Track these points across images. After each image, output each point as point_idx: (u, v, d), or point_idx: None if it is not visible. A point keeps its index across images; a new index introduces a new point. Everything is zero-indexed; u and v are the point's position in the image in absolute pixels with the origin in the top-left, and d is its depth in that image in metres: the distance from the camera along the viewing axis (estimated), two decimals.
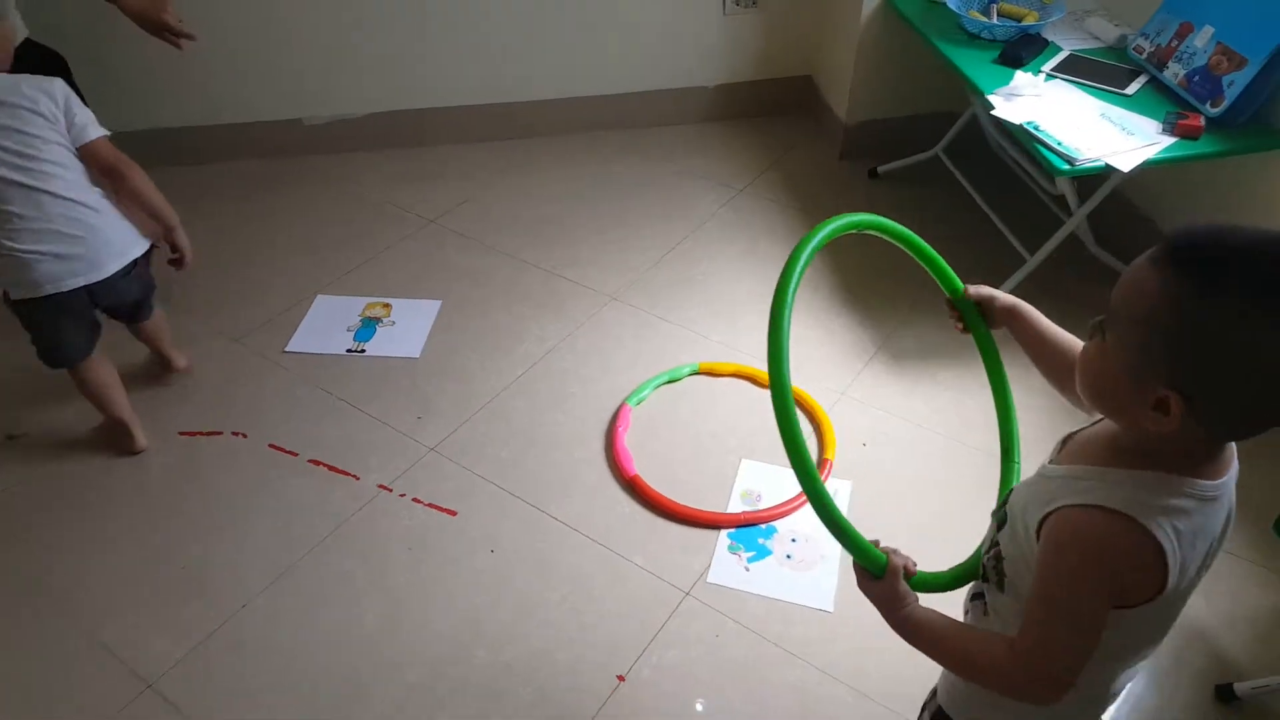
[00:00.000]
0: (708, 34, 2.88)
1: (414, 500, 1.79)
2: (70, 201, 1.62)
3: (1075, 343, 0.94)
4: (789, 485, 1.80)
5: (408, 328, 2.20)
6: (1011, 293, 1.04)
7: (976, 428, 1.93)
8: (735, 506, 1.78)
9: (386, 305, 2.27)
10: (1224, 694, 1.46)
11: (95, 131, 1.66)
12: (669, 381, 2.05)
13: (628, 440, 1.89)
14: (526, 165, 2.81)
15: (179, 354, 2.01)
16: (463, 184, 2.72)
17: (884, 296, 2.29)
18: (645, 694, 1.49)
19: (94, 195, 1.67)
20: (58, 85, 1.64)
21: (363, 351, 2.14)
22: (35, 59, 1.87)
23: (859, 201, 2.66)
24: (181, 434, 1.93)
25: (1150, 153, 1.83)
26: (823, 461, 1.85)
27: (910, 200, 2.65)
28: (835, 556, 1.68)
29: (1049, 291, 1.73)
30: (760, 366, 2.06)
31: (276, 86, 2.70)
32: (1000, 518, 0.90)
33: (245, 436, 1.92)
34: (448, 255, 2.45)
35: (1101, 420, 0.85)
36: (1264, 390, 0.69)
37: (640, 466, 1.84)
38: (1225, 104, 1.86)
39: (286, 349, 2.14)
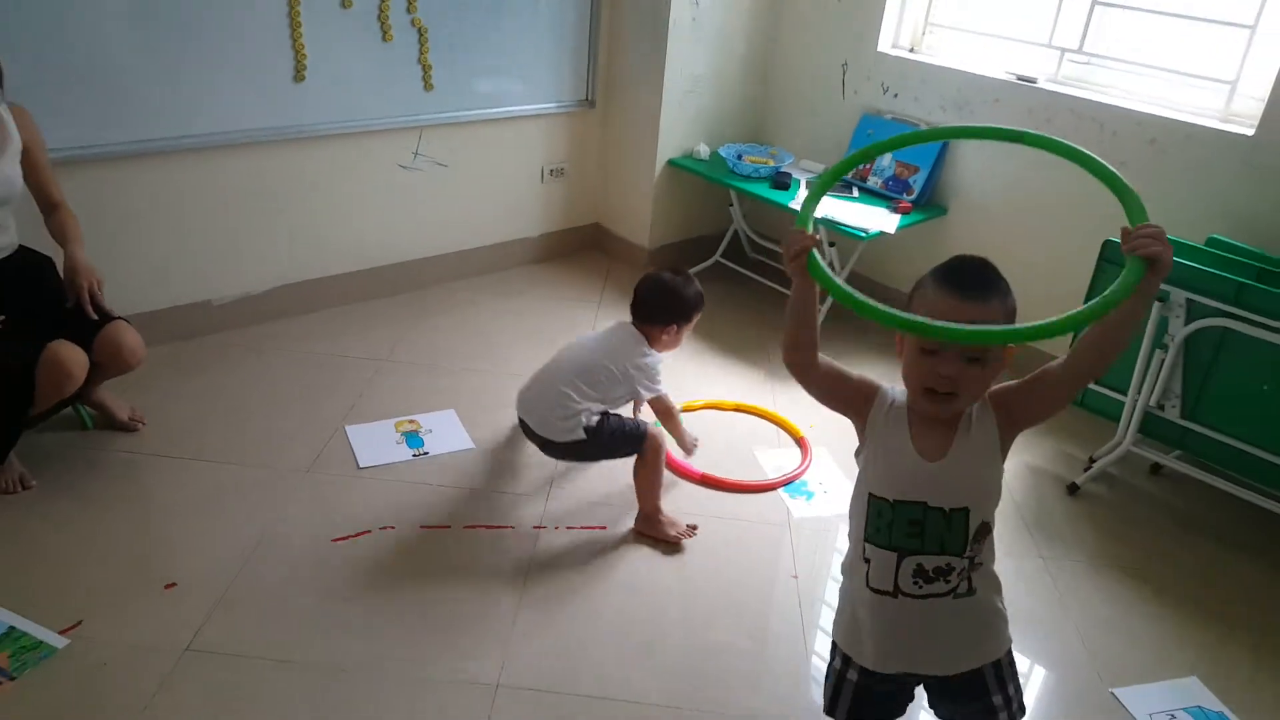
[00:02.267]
0: (530, 197, 3.71)
1: (567, 528, 2.24)
2: None
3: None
4: (791, 462, 2.63)
5: (445, 431, 2.59)
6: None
7: None
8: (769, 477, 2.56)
9: (413, 421, 2.62)
10: (1072, 490, 2.61)
11: None
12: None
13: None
14: (427, 311, 3.30)
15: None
16: (384, 330, 3.12)
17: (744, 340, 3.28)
18: (814, 588, 2.17)
19: None
20: None
21: (426, 454, 2.48)
22: None
23: None
24: (334, 540, 2.12)
25: (894, 223, 3.13)
26: (800, 440, 2.70)
27: (709, 293, 3.65)
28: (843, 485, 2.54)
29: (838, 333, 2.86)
30: (728, 399, 2.88)
31: (181, 273, 2.87)
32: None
33: (394, 528, 2.18)
34: (421, 378, 2.85)
35: None
36: None
37: (698, 468, 2.52)
38: (916, 193, 3.26)
39: (361, 465, 2.40)
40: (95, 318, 2.13)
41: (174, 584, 1.96)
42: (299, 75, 2.85)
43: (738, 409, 2.87)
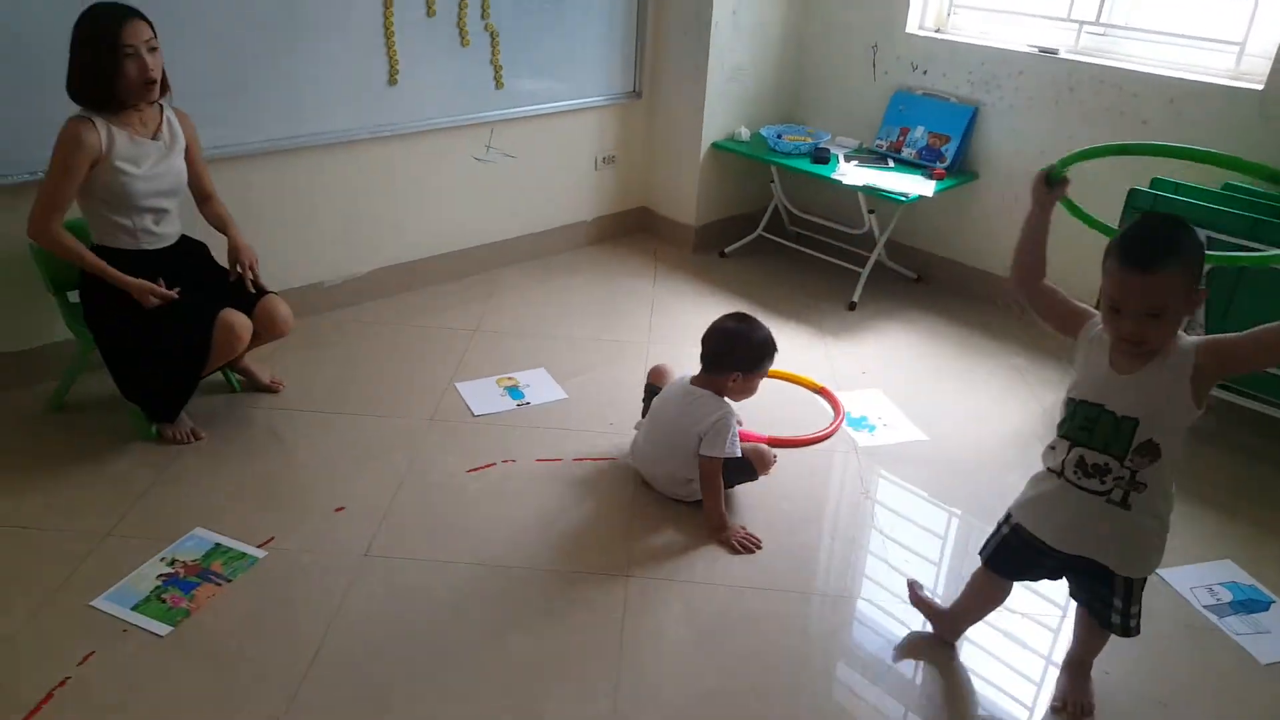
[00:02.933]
0: (585, 183, 4.04)
1: None
2: None
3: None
4: (823, 418, 2.94)
5: (540, 385, 2.92)
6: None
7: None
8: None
9: (511, 378, 2.96)
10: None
11: None
12: None
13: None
14: (504, 287, 3.64)
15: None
16: (473, 305, 3.46)
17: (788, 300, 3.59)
18: (885, 501, 2.49)
19: None
20: None
21: (528, 404, 2.81)
22: None
23: (719, 273, 3.93)
24: (469, 471, 2.45)
25: (931, 188, 3.44)
26: (833, 401, 2.98)
27: (753, 266, 4.02)
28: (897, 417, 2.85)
29: (873, 289, 3.17)
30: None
31: (296, 258, 3.21)
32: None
33: (514, 461, 2.51)
34: (509, 344, 3.18)
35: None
36: None
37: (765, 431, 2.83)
38: (949, 160, 3.57)
39: (476, 414, 2.73)
40: (254, 291, 2.48)
41: (342, 508, 2.30)
42: (392, 79, 3.19)
43: (777, 377, 3.05)
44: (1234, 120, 2.93)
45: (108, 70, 2.19)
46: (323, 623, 1.95)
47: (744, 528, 2.30)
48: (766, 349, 2.34)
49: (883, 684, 1.91)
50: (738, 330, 2.33)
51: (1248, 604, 2.15)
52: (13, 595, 1.97)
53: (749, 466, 2.36)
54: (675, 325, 3.40)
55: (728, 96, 3.91)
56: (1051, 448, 1.68)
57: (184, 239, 2.55)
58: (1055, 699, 1.86)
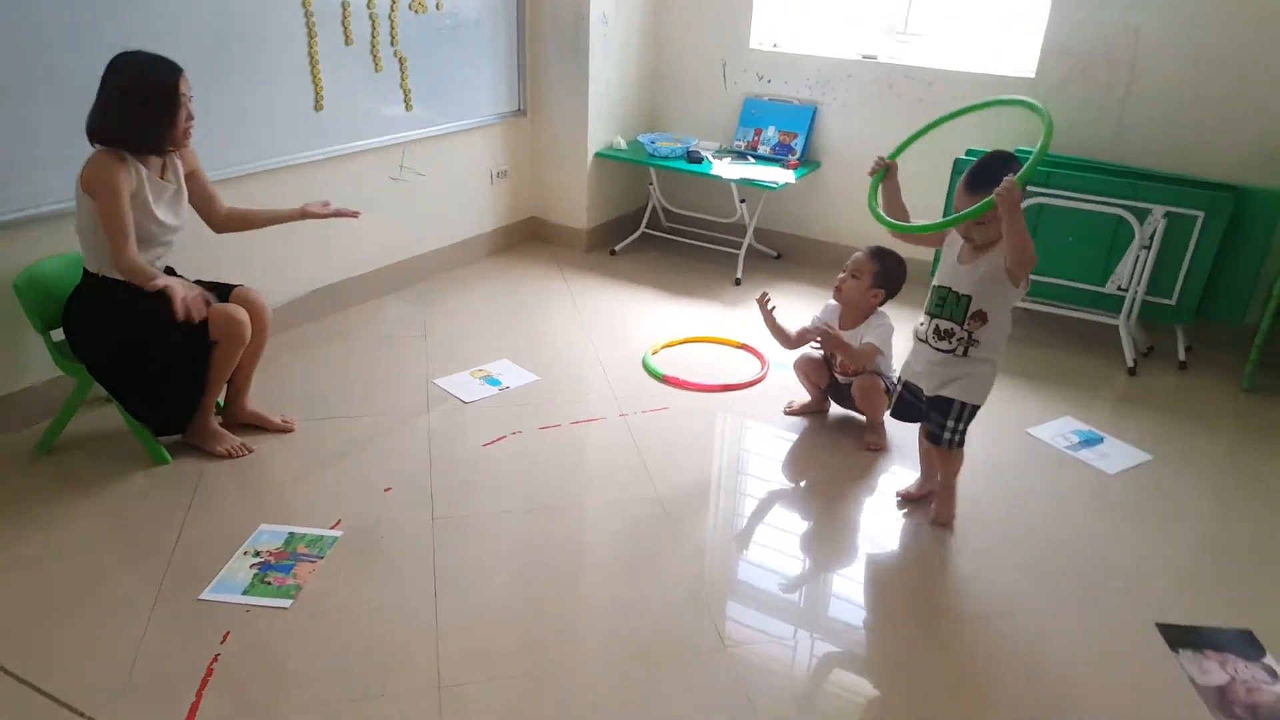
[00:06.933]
0: (484, 197, 4.37)
1: (641, 412, 2.99)
2: None
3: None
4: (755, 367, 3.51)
5: (511, 372, 3.25)
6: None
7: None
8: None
9: (482, 369, 3.26)
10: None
11: None
12: (650, 368, 3.54)
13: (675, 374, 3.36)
14: (435, 298, 3.90)
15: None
16: (411, 316, 3.71)
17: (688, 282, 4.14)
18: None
19: None
20: None
21: (508, 388, 3.13)
22: None
23: (617, 267, 4.40)
24: (484, 445, 2.75)
25: (791, 176, 4.10)
26: (757, 355, 3.57)
27: (643, 259, 4.53)
28: None
29: (746, 267, 3.81)
30: (681, 335, 3.71)
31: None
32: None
33: (521, 432, 2.83)
34: (462, 343, 3.47)
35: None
36: None
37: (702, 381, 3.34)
38: (799, 153, 4.26)
39: (466, 401, 3.02)
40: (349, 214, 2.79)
41: (390, 489, 2.53)
42: (318, 105, 3.39)
43: (705, 341, 3.66)
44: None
45: (165, 118, 2.34)
46: (427, 569, 2.21)
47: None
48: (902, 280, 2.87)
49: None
50: (894, 259, 2.84)
51: (1089, 441, 2.96)
52: (114, 606, 2.07)
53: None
54: (600, 310, 3.83)
55: (603, 109, 4.40)
56: (921, 323, 2.38)
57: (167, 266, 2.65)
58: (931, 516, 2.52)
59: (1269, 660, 2.08)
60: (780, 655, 2.05)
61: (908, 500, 2.59)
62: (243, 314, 2.54)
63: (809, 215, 4.48)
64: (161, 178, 2.49)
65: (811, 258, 4.48)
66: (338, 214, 2.77)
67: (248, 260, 3.31)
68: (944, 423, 2.36)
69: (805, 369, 3.01)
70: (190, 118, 2.43)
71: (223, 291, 2.62)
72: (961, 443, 2.40)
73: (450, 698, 1.85)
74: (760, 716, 1.85)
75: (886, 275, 2.82)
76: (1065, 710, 1.90)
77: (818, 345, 2.94)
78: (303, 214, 2.73)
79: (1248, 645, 2.13)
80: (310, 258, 3.57)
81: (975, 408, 2.37)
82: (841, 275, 2.86)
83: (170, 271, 2.67)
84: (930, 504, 2.55)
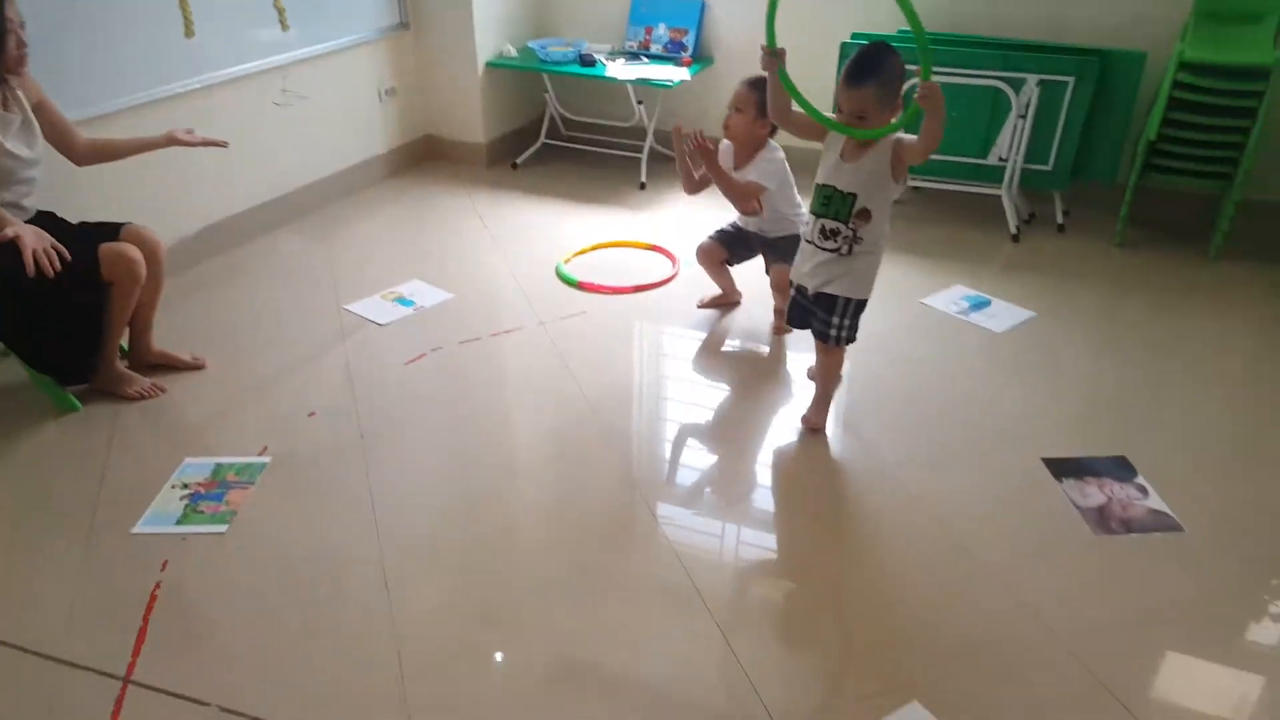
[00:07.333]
0: (374, 118, 4.25)
1: (559, 319, 3.05)
2: None
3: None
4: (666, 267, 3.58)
5: (423, 293, 3.24)
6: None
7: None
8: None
9: (393, 291, 3.24)
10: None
11: None
12: (565, 276, 3.57)
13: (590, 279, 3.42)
14: (338, 223, 3.83)
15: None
16: (315, 244, 3.64)
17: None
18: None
19: None
20: None
21: (422, 308, 3.14)
22: None
23: (521, 180, 4.37)
24: (407, 362, 2.78)
25: (686, 74, 4.11)
26: (668, 255, 3.64)
27: (546, 170, 4.50)
28: None
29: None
30: (591, 242, 3.75)
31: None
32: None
33: (442, 348, 2.87)
34: (369, 267, 3.44)
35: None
36: None
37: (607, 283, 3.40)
38: (690, 50, 4.25)
39: (381, 323, 3.03)
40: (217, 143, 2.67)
41: (314, 413, 2.54)
42: (188, 31, 3.22)
43: (615, 245, 3.69)
44: None
45: None
46: (361, 484, 2.27)
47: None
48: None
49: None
50: None
51: (978, 305, 3.17)
52: (46, 549, 2.06)
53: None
54: (508, 224, 3.83)
55: (489, 16, 4.28)
56: (807, 224, 2.38)
57: (39, 212, 2.54)
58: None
59: (1140, 480, 2.32)
60: (711, 530, 2.19)
61: (814, 377, 2.74)
62: (135, 251, 2.46)
63: (708, 113, 4.49)
64: (5, 109, 2.37)
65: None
66: (206, 143, 2.68)
67: (131, 200, 3.18)
68: (829, 319, 2.37)
69: (704, 255, 3.08)
70: (22, 45, 2.32)
71: (111, 231, 2.54)
72: (849, 339, 2.41)
73: (398, 594, 1.93)
74: (699, 582, 1.99)
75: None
76: (967, 544, 2.10)
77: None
78: (170, 140, 2.64)
79: (1122, 469, 2.37)
80: (198, 194, 3.45)
81: (861, 302, 2.39)
82: (727, 113, 2.84)
83: (48, 216, 2.56)
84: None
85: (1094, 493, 2.30)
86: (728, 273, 3.12)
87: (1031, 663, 1.78)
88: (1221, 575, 2.01)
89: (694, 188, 2.95)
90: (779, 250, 2.85)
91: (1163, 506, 2.21)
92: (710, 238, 3.06)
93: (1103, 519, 2.20)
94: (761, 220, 2.90)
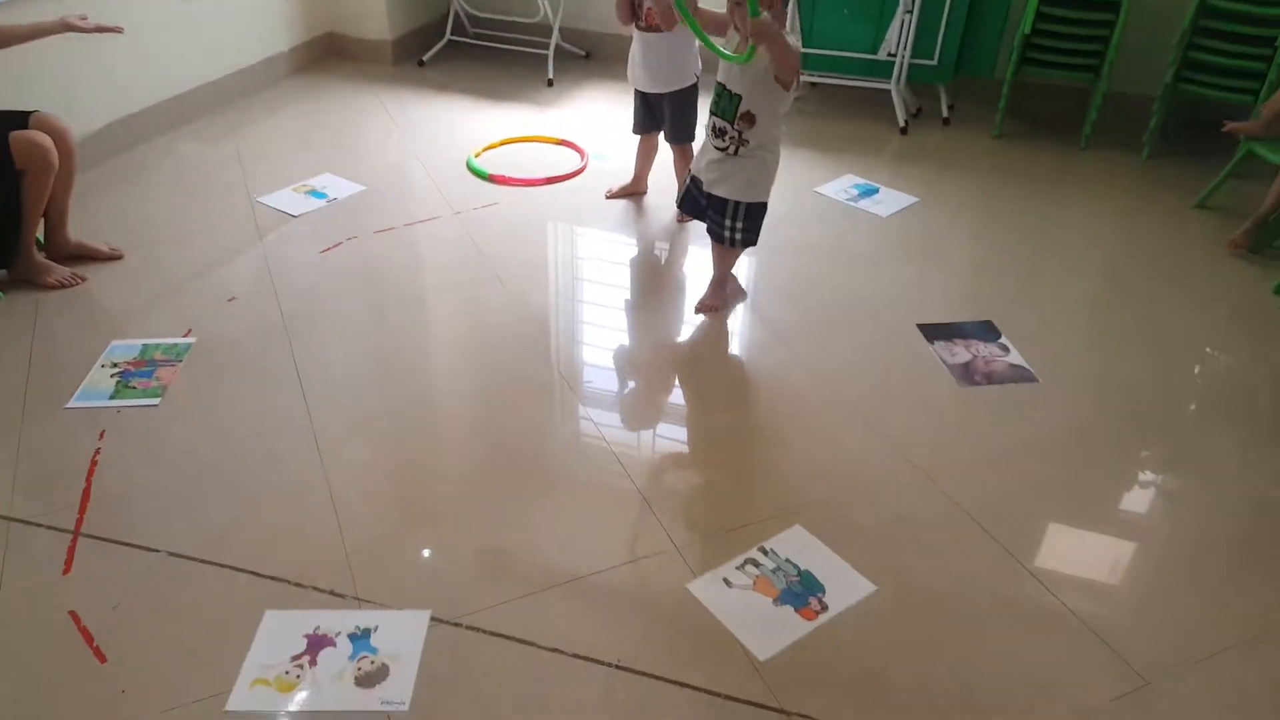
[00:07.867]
0: (275, 14, 4.16)
1: (472, 210, 3.16)
2: None
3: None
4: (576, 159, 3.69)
5: (335, 185, 3.29)
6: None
7: None
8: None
9: (305, 184, 3.28)
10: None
11: None
12: (475, 169, 3.65)
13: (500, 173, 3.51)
14: (239, 125, 3.78)
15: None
16: (221, 143, 3.61)
17: None
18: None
19: None
20: None
21: (335, 199, 3.19)
22: None
23: (428, 78, 4.37)
24: (322, 251, 2.85)
25: None
26: (576, 149, 3.74)
27: (453, 67, 4.50)
28: None
29: (557, 68, 3.92)
30: (500, 137, 3.82)
31: None
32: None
33: (357, 237, 2.94)
34: (279, 162, 3.45)
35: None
36: None
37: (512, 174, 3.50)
38: None
39: (295, 215, 3.08)
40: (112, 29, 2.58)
41: (234, 298, 2.62)
42: None
43: (525, 140, 3.75)
44: None
45: None
46: (287, 360, 2.38)
47: None
48: None
49: None
50: None
51: (867, 192, 3.41)
52: None
53: None
54: (416, 121, 3.86)
55: None
56: (705, 120, 2.52)
57: None
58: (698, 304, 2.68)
59: (1003, 340, 2.61)
60: (628, 399, 2.39)
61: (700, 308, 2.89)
62: (46, 139, 2.45)
63: (612, 11, 4.54)
64: None
65: (620, 54, 4.58)
66: (100, 29, 2.62)
67: (30, 97, 3.10)
68: (721, 221, 2.51)
69: (646, 145, 3.19)
70: None
71: (20, 119, 2.51)
72: (746, 241, 2.54)
73: (330, 455, 2.08)
74: (608, 435, 2.20)
75: None
76: (846, 396, 2.36)
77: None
78: (64, 26, 2.58)
79: (987, 331, 2.66)
80: (100, 89, 3.36)
81: (754, 206, 2.51)
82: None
83: None
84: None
85: (961, 351, 2.58)
86: (651, 162, 3.25)
87: (899, 493, 2.06)
88: (1070, 420, 2.31)
89: (626, 18, 2.91)
90: (675, 123, 2.98)
91: (1021, 362, 2.51)
92: (639, 126, 3.13)
93: (967, 373, 2.49)
94: (658, 57, 2.92)
